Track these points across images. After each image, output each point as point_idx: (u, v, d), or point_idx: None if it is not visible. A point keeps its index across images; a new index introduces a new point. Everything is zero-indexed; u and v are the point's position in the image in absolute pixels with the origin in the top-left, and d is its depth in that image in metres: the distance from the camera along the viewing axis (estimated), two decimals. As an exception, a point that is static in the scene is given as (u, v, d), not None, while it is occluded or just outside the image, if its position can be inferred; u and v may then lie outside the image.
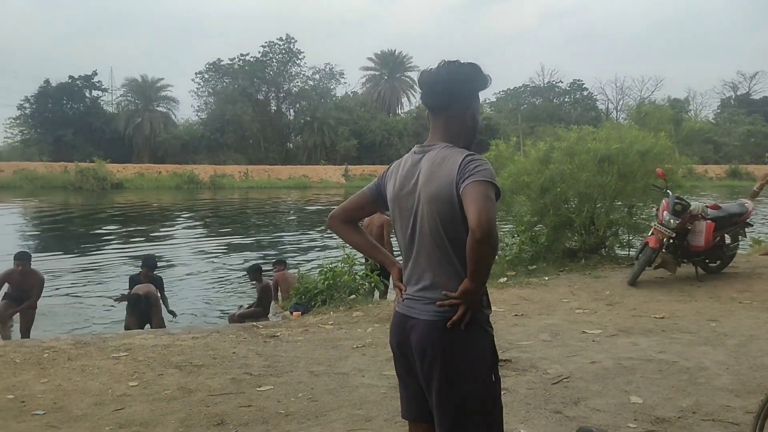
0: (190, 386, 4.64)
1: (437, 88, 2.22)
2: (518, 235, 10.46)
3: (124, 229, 22.64)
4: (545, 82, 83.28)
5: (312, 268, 12.32)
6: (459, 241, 2.09)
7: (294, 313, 7.84)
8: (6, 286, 8.37)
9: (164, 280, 9.64)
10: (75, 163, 49.22)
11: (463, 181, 2.04)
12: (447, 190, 2.09)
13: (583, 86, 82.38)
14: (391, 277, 2.43)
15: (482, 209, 1.95)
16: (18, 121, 65.66)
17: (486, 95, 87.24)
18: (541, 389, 4.48)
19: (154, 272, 9.28)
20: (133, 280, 9.15)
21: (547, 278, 8.87)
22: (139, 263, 9.74)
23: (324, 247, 17.61)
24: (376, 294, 8.79)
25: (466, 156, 2.11)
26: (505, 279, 8.79)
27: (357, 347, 5.84)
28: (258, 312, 9.10)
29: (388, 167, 2.41)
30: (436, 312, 2.12)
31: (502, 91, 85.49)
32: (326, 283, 8.28)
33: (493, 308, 7.00)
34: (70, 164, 48.92)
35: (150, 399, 4.33)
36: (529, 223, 10.20)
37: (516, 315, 6.94)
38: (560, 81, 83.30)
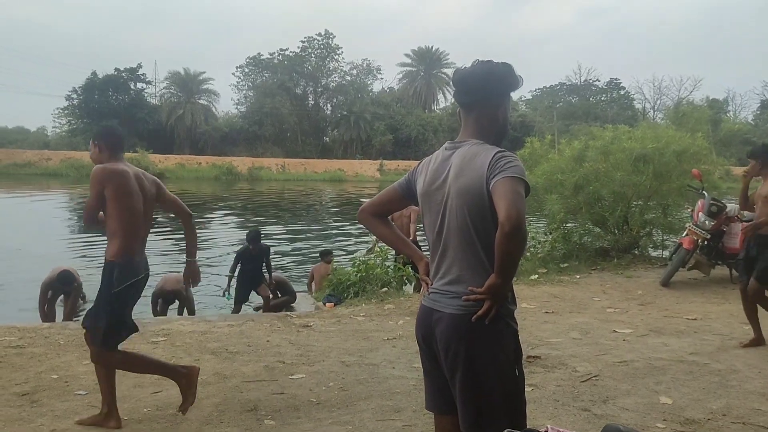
0: (225, 372, 4.72)
1: (471, 86, 2.24)
2: (550, 233, 10.37)
3: (162, 216, 22.99)
4: (582, 81, 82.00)
5: (342, 257, 12.42)
6: (487, 237, 2.09)
7: (327, 304, 7.89)
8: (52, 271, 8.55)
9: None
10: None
11: (494, 176, 2.04)
12: (477, 185, 2.09)
13: (620, 85, 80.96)
14: (420, 270, 2.44)
15: (512, 204, 1.95)
16: (66, 111, 67.28)
17: (522, 93, 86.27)
18: (569, 386, 4.44)
19: (261, 243, 9.28)
20: (242, 255, 9.11)
21: (578, 276, 8.79)
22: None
23: (357, 240, 17.67)
24: (409, 287, 8.80)
25: (497, 152, 2.11)
26: (537, 276, 8.73)
27: (388, 339, 5.86)
28: (289, 300, 9.25)
29: (419, 163, 2.42)
30: (461, 306, 2.11)
31: (538, 89, 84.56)
32: (359, 275, 8.33)
33: (524, 305, 7.00)
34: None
35: (187, 383, 4.41)
36: (562, 221, 10.10)
37: (546, 312, 6.89)
38: (597, 79, 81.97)
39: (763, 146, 5.58)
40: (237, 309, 8.96)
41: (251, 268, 9.12)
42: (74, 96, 64.58)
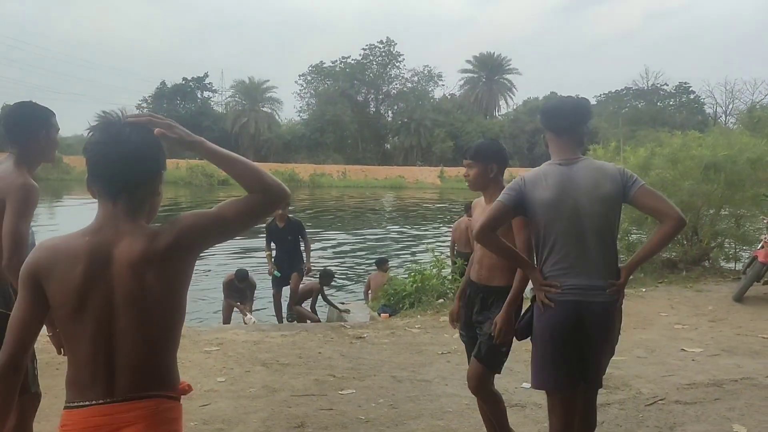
0: (275, 385, 4.65)
1: (565, 112, 2.84)
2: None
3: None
4: (649, 85, 79.41)
5: (397, 266, 12.27)
6: (615, 237, 2.79)
7: (382, 314, 7.79)
8: None
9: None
10: (186, 159, 51.41)
11: (632, 185, 2.67)
12: (616, 194, 2.67)
13: (690, 89, 78.05)
14: (532, 279, 2.79)
15: (670, 204, 2.67)
16: (136, 120, 69.69)
17: (586, 98, 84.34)
18: (633, 410, 4.18)
19: (291, 219, 8.59)
20: (269, 231, 8.48)
21: (644, 290, 8.39)
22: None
23: (415, 249, 17.53)
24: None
25: (618, 167, 2.78)
26: (599, 289, 8.39)
27: (442, 353, 5.71)
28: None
29: (522, 178, 2.77)
30: (608, 294, 2.67)
31: (603, 93, 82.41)
32: (414, 285, 8.18)
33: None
34: (182, 161, 51.13)
35: (235, 396, 4.37)
36: (626, 231, 9.69)
37: (609, 327, 6.58)
38: (665, 84, 79.14)
39: None
40: (278, 291, 8.51)
41: (286, 249, 8.40)
42: (144, 105, 66.92)
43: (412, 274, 8.62)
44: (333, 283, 10.12)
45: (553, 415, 2.81)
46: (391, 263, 11.33)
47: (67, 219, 24.83)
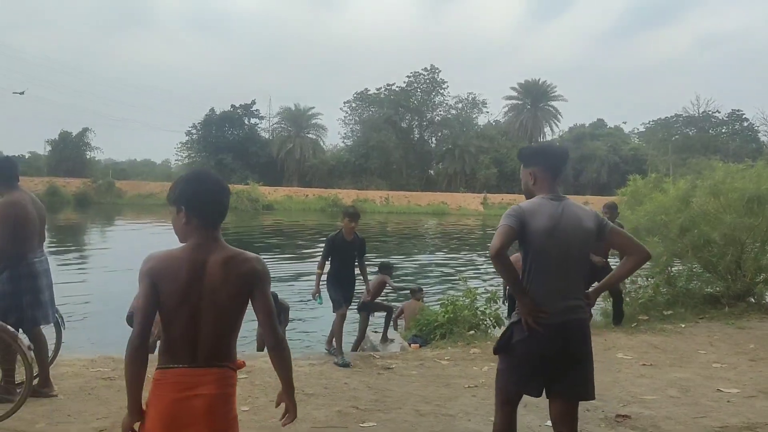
0: (298, 416, 4.67)
1: (566, 160, 3.32)
2: (652, 277, 9.74)
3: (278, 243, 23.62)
4: (700, 112, 77.79)
5: (436, 292, 12.20)
6: (587, 264, 3.18)
7: (412, 345, 7.76)
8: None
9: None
10: (232, 184, 52.27)
11: (605, 226, 3.15)
12: (593, 231, 3.10)
13: (743, 116, 76.26)
14: (521, 304, 3.03)
15: (636, 242, 3.21)
16: (186, 145, 71.57)
17: (634, 125, 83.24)
18: (659, 453, 4.08)
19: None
20: (333, 244, 7.03)
21: (683, 325, 8.16)
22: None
23: (454, 278, 17.43)
24: (494, 329, 8.46)
25: (593, 210, 3.28)
26: (636, 324, 8.20)
27: (469, 387, 5.66)
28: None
29: (518, 207, 3.06)
30: (584, 312, 3.10)
31: (652, 121, 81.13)
32: (446, 316, 8.13)
33: (619, 355, 6.60)
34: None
35: (257, 426, 4.41)
36: (666, 264, 9.47)
37: (644, 364, 6.43)
38: (717, 111, 77.46)
39: None
40: (341, 307, 6.95)
41: (348, 268, 7.14)
42: (194, 131, 68.87)
43: (445, 304, 8.57)
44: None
45: (501, 413, 3.19)
46: (429, 290, 11.31)
47: (119, 243, 25.55)
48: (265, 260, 2.44)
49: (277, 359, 2.44)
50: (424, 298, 10.50)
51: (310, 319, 11.50)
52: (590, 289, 3.23)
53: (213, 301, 2.28)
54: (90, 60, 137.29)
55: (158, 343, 2.43)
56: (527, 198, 3.22)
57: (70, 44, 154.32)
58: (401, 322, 9.90)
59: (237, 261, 2.34)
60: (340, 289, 6.98)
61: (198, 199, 2.36)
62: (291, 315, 9.23)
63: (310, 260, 21.80)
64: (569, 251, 3.03)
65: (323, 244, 7.13)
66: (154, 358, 2.37)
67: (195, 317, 2.28)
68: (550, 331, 2.98)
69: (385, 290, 9.48)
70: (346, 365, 6.36)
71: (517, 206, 3.08)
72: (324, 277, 7.01)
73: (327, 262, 7.06)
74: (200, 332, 2.29)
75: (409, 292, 10.59)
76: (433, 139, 77.27)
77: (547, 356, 3.00)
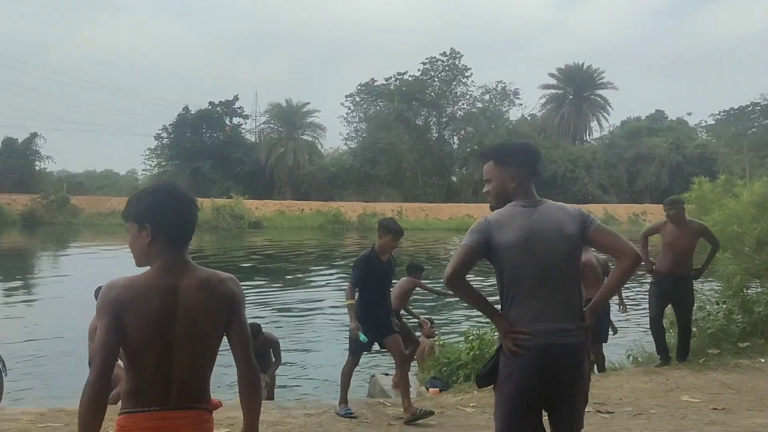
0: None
1: (541, 159, 3.43)
2: (724, 302, 9.70)
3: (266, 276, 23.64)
4: (782, 101, 77.71)
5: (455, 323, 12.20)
6: (579, 277, 3.22)
7: (431, 389, 7.78)
8: None
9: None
10: (211, 199, 52.28)
11: (590, 225, 3.16)
12: (577, 234, 3.14)
13: (836, 105, 76.13)
14: (499, 327, 3.15)
15: (625, 241, 3.15)
16: (156, 152, 71.84)
17: (701, 118, 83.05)
18: None
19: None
20: (367, 265, 6.66)
21: (763, 360, 8.16)
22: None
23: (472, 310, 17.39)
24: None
25: (577, 208, 3.29)
26: (705, 359, 8.18)
27: (498, 440, 5.65)
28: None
29: (484, 221, 3.17)
30: (576, 336, 3.09)
31: (723, 111, 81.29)
32: (471, 354, 8.15)
33: (684, 397, 6.57)
34: (206, 200, 52.18)
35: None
36: (740, 286, 9.45)
37: (714, 409, 6.41)
38: (803, 98, 77.38)
39: None
40: (355, 360, 6.84)
41: (383, 292, 6.88)
42: (164, 134, 69.05)
43: (470, 338, 8.58)
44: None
45: None
46: (451, 322, 11.29)
47: (76, 270, 25.68)
48: (245, 288, 2.57)
49: (249, 394, 2.48)
50: (437, 332, 10.53)
51: (306, 361, 11.52)
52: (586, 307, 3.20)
53: (191, 333, 2.37)
54: (38, 51, 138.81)
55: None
56: (500, 203, 3.27)
57: (13, 32, 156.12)
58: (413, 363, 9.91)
59: (213, 283, 2.44)
60: (374, 323, 6.60)
61: (166, 215, 2.43)
62: (284, 357, 9.28)
63: (303, 288, 21.86)
64: (548, 266, 3.07)
65: (351, 267, 6.80)
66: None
67: (168, 352, 2.35)
68: (532, 353, 3.03)
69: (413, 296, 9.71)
70: (349, 415, 6.38)
71: (483, 219, 3.17)
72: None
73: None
74: (174, 369, 2.36)
75: (418, 324, 10.49)
76: (455, 138, 77.33)
77: (534, 385, 3.05)
